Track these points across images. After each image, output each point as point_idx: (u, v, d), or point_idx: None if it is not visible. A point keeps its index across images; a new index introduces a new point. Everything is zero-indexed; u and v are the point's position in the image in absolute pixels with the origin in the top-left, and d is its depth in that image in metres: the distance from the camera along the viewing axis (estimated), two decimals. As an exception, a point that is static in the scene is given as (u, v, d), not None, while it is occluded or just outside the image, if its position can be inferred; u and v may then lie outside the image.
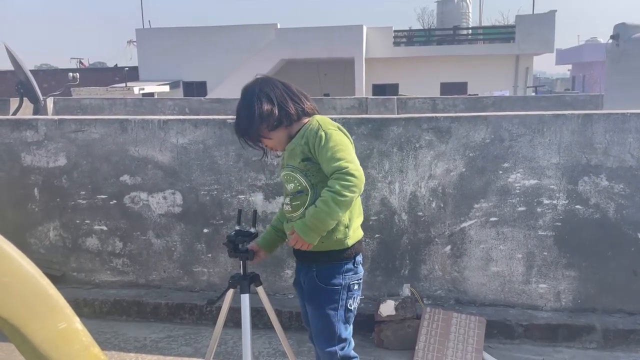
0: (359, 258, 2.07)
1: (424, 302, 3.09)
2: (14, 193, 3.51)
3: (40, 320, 1.33)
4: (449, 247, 3.05)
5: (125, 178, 3.35)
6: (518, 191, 2.95)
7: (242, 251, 2.16)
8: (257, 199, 3.21)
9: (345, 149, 1.89)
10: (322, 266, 1.99)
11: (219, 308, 2.29)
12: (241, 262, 2.21)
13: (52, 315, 1.37)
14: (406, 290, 2.99)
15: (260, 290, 2.28)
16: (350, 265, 2.03)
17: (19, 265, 1.33)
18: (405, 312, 2.82)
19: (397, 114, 7.10)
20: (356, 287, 2.07)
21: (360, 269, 2.08)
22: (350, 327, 2.13)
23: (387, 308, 2.83)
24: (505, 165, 2.94)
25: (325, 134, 1.89)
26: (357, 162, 1.89)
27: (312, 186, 1.94)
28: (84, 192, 3.41)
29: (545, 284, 3.00)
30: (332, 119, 1.99)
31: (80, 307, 3.35)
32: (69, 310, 1.40)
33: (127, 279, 3.46)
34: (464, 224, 3.01)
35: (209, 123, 3.20)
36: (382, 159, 3.03)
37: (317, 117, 1.99)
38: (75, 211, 3.44)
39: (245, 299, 2.14)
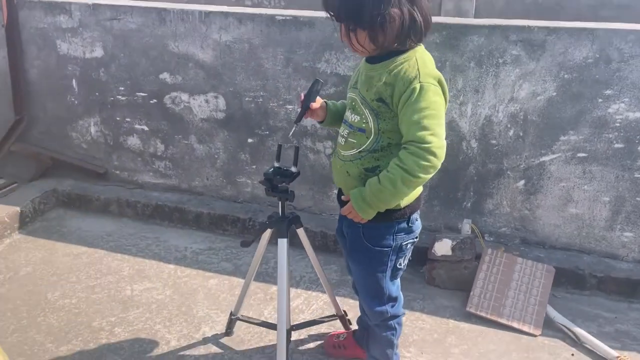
0: (416, 215, 1.74)
1: (486, 238, 2.77)
2: (52, 83, 3.29)
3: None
4: (522, 182, 2.64)
5: (165, 76, 3.04)
6: (618, 125, 2.43)
7: (281, 191, 1.87)
8: (307, 110, 2.85)
9: (436, 115, 1.49)
10: (369, 224, 1.67)
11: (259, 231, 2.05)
12: (280, 202, 1.93)
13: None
14: (466, 226, 2.66)
15: (300, 232, 2.02)
16: (403, 225, 1.71)
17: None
18: (463, 254, 2.53)
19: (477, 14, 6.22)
20: (409, 246, 1.78)
21: (417, 225, 1.76)
22: (399, 282, 1.88)
23: (443, 247, 2.54)
24: (608, 92, 2.40)
25: (421, 88, 1.48)
26: (444, 134, 1.51)
27: (378, 131, 1.58)
28: (122, 88, 3.15)
29: (631, 232, 2.59)
30: None
31: (123, 208, 3.26)
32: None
33: (169, 183, 3.30)
34: (544, 158, 2.57)
35: (255, 19, 2.76)
36: (455, 75, 2.55)
37: (419, 53, 1.55)
38: (115, 108, 3.22)
39: (282, 243, 1.90)
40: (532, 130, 2.54)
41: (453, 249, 2.52)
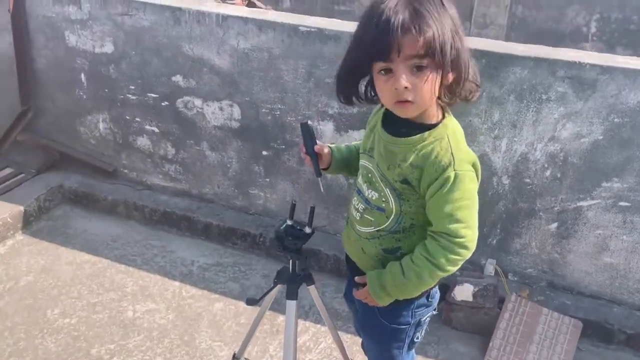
0: (435, 289, 1.58)
1: (509, 278, 2.60)
2: (61, 75, 3.11)
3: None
4: (555, 224, 2.44)
5: (178, 79, 2.84)
6: (669, 176, 2.21)
7: (292, 250, 1.71)
8: (327, 129, 2.65)
9: (471, 205, 1.31)
10: (386, 301, 1.51)
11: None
12: (291, 261, 1.77)
13: None
14: (490, 267, 2.49)
15: (312, 290, 1.87)
16: (423, 300, 1.55)
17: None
18: (485, 301, 2.36)
19: (513, 30, 5.81)
20: (428, 319, 1.63)
21: (436, 297, 1.60)
22: (414, 352, 1.74)
23: (464, 292, 2.37)
24: (662, 140, 2.16)
25: (455, 177, 1.27)
26: (476, 225, 1.33)
27: (400, 212, 1.39)
28: (133, 87, 2.96)
29: (669, 287, 2.40)
30: None
31: (131, 210, 3.13)
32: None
33: (179, 187, 3.15)
34: (582, 203, 2.36)
35: (277, 28, 2.53)
36: (492, 107, 2.32)
37: (450, 129, 1.32)
38: (125, 106, 3.04)
39: (291, 306, 1.74)
40: (572, 173, 2.32)
41: (474, 295, 2.36)
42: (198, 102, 2.85)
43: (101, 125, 3.16)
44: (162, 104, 2.94)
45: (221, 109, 2.82)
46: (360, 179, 1.50)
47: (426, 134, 1.31)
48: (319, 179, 1.58)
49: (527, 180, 2.40)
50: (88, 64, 3.01)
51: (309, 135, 1.53)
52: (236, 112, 2.80)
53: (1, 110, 3.30)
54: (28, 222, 3.04)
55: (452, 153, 1.29)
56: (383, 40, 1.17)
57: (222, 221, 2.98)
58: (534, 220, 2.47)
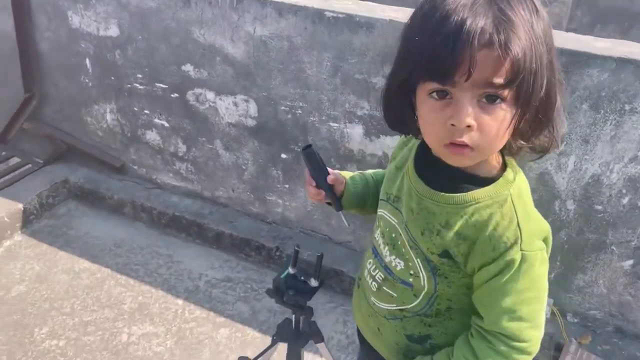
0: None
1: (568, 319, 2.17)
2: (64, 60, 2.81)
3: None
4: (630, 261, 1.99)
5: (189, 68, 2.48)
6: None
7: (295, 305, 1.35)
8: (355, 133, 2.25)
9: (539, 298, 0.93)
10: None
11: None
12: (294, 315, 1.41)
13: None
14: (547, 308, 2.06)
15: (322, 347, 1.51)
16: None
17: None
18: (538, 355, 1.94)
19: (579, 7, 5.14)
20: None
21: None
22: None
23: (511, 339, 1.96)
24: None
25: (523, 261, 0.89)
26: (544, 321, 0.95)
27: (435, 292, 1.01)
28: (140, 76, 2.63)
29: None
30: None
31: (138, 212, 2.84)
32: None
33: (190, 188, 2.83)
34: (667, 239, 1.90)
35: (299, 13, 2.13)
36: (559, 117, 1.86)
37: (516, 187, 0.92)
38: (132, 96, 2.72)
39: (293, 371, 1.40)
40: (657, 202, 1.86)
41: (524, 344, 1.95)
42: (210, 95, 2.49)
43: (108, 116, 2.86)
44: (172, 95, 2.60)
45: (236, 104, 2.45)
46: (378, 236, 1.11)
47: (481, 192, 0.91)
48: (341, 212, 1.20)
49: (599, 207, 1.95)
50: (93, 49, 2.69)
51: (316, 163, 1.15)
52: (252, 108, 2.43)
53: (5, 95, 3.04)
54: (28, 221, 2.78)
55: (518, 224, 0.89)
56: (447, 53, 0.76)
57: (236, 230, 2.64)
58: (604, 255, 2.02)
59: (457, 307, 1.01)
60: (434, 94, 0.84)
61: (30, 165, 3.05)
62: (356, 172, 1.28)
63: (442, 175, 0.94)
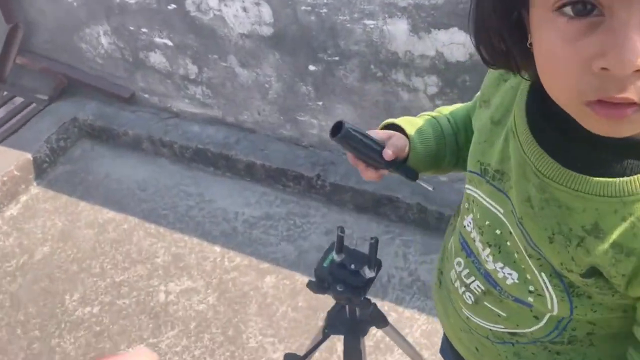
0: None
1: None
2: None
3: None
4: None
5: (181, -29, 2.00)
6: None
7: (341, 292, 1.02)
8: (398, 29, 1.76)
9: None
10: None
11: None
12: (347, 306, 1.09)
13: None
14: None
15: (390, 332, 1.20)
16: None
17: None
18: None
19: None
20: None
21: None
22: None
23: None
24: None
25: None
26: None
27: (570, 317, 0.64)
28: (128, -13, 2.16)
29: None
30: None
31: (158, 147, 2.52)
32: None
33: (211, 114, 2.45)
34: None
35: None
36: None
37: None
38: (124, 13, 2.27)
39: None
40: None
41: None
42: (213, 1, 2.02)
43: (104, 40, 2.44)
44: (168, 7, 2.14)
45: (245, 9, 1.98)
46: (470, 226, 0.73)
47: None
48: (419, 181, 0.83)
49: None
50: (66, -40, 2.22)
51: (359, 143, 0.75)
52: (266, 12, 1.95)
53: (-13, 29, 2.65)
54: (42, 170, 2.52)
55: None
56: None
57: (268, 159, 2.29)
58: None
59: (603, 332, 0.66)
60: (568, 8, 0.43)
61: (34, 105, 2.73)
62: (422, 118, 0.88)
63: (581, 142, 0.54)
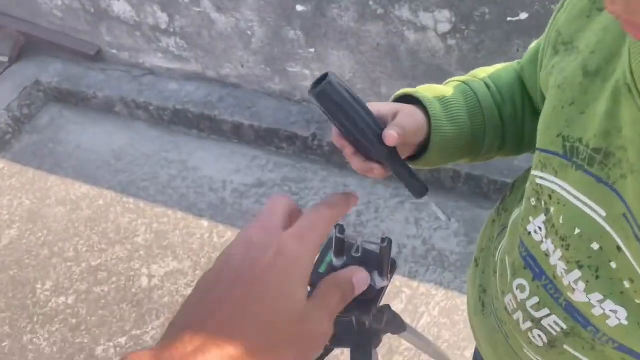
0: None
1: None
2: None
3: None
4: None
5: None
6: None
7: (345, 309, 0.76)
8: (402, -44, 1.45)
9: None
10: None
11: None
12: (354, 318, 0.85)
13: None
14: None
15: (407, 336, 0.97)
16: None
17: None
18: None
19: None
20: None
21: None
22: None
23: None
24: None
25: None
26: None
27: None
28: None
29: None
30: None
31: (133, 109, 2.24)
32: None
33: (189, 69, 2.16)
34: None
35: None
36: None
37: None
38: (78, -45, 1.95)
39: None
40: None
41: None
42: None
43: (59, -11, 2.12)
44: (127, -56, 1.81)
45: (216, -59, 1.66)
46: (538, 228, 0.47)
47: None
48: (430, 202, 0.59)
49: None
50: None
51: (349, 104, 0.48)
52: (241, -57, 1.63)
53: None
54: (5, 142, 2.25)
55: None
56: None
57: (257, 118, 2.01)
58: None
59: None
60: None
61: (-8, 69, 2.44)
62: (449, 85, 0.61)
63: None
